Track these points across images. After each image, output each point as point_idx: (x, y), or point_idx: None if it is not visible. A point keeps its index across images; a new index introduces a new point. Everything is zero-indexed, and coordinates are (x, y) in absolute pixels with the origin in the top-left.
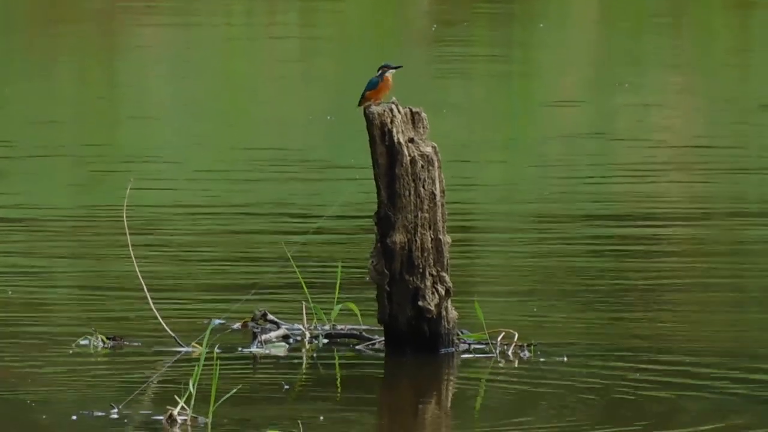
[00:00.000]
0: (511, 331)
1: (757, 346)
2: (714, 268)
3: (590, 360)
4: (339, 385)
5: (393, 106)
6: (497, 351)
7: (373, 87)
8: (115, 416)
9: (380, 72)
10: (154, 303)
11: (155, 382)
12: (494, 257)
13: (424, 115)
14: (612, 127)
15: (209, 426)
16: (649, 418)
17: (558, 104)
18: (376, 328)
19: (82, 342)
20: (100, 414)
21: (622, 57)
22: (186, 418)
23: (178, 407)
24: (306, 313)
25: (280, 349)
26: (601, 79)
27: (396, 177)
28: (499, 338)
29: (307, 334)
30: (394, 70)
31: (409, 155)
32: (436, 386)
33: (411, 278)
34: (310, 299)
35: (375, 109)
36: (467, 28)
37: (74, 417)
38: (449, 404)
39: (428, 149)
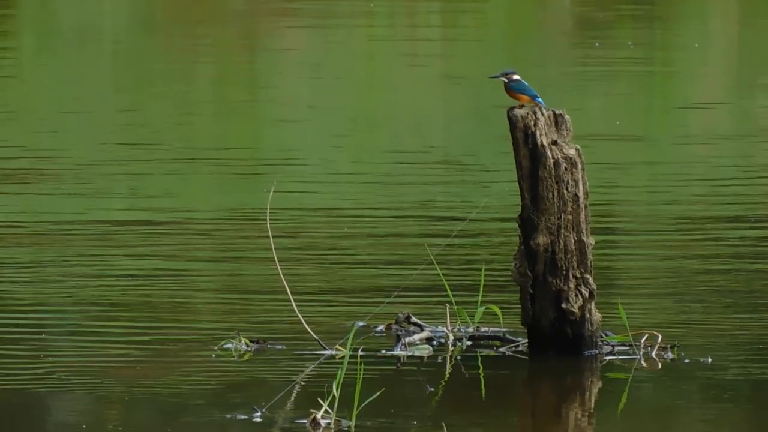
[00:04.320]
0: (655, 332)
1: None
2: None
3: (735, 362)
4: (482, 387)
5: (536, 109)
6: (641, 353)
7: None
8: (259, 419)
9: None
10: (297, 306)
11: (298, 385)
12: (637, 259)
13: (567, 117)
14: (754, 129)
15: (352, 429)
16: None
17: (699, 106)
18: (520, 330)
19: (226, 345)
20: (243, 417)
21: (763, 57)
22: (329, 421)
23: (322, 410)
24: (449, 316)
25: (424, 352)
26: (742, 79)
27: (539, 179)
28: (642, 340)
29: (451, 337)
30: (498, 77)
31: (553, 158)
32: (580, 388)
33: (554, 280)
34: (453, 301)
35: (518, 112)
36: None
37: (217, 420)
38: (593, 407)
39: (572, 152)
